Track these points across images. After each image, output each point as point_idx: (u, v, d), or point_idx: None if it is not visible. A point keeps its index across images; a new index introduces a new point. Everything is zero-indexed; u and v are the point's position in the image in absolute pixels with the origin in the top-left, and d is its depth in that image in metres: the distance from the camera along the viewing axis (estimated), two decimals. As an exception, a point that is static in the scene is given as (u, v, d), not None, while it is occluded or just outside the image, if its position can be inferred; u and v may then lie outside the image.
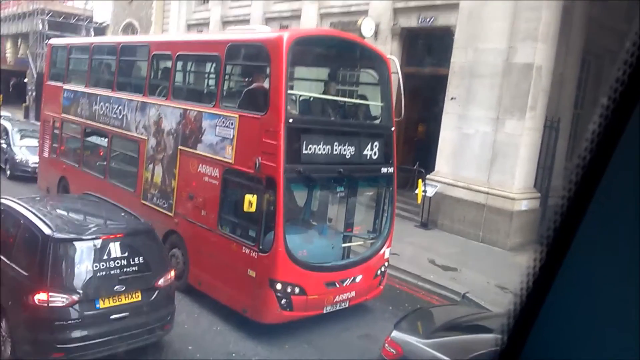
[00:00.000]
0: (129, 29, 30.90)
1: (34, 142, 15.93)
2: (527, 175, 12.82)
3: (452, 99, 13.71)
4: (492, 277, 10.17)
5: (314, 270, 7.59)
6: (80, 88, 12.70)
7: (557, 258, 0.99)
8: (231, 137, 7.87)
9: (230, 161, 7.88)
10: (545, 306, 1.02)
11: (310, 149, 7.43)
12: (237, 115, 7.82)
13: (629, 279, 0.90)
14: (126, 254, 6.38)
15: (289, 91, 7.44)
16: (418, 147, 15.75)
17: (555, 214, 0.98)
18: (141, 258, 6.51)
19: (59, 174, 13.17)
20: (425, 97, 15.10)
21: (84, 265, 6.14)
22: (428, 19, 14.97)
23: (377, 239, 8.67)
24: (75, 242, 6.18)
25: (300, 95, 8.41)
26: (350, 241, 8.60)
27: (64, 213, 7.22)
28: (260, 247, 7.32)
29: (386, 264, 8.76)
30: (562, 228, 0.98)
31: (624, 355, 0.92)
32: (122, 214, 7.41)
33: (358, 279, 8.12)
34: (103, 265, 6.19)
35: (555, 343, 1.02)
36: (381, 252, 8.58)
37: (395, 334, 5.92)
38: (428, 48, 15.70)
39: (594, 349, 0.96)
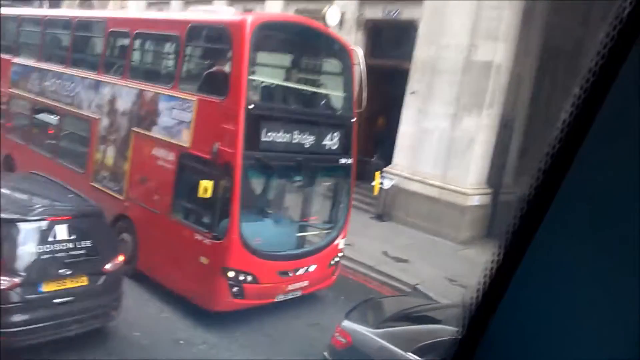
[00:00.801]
0: (86, 4, 29.83)
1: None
2: (481, 171, 12.97)
3: (412, 93, 13.74)
4: (443, 270, 10.42)
5: (267, 259, 7.59)
6: (31, 62, 12.21)
7: (521, 248, 0.99)
8: (189, 120, 7.77)
9: (186, 145, 7.77)
10: (505, 297, 1.02)
11: (269, 136, 7.40)
12: (195, 99, 7.71)
13: (590, 272, 0.92)
14: (73, 237, 6.26)
15: (251, 76, 7.39)
16: (377, 140, 15.76)
17: (522, 200, 0.98)
18: (89, 241, 6.40)
19: (4, 152, 12.63)
20: (387, 89, 15.13)
21: (27, 247, 6.00)
22: (393, 12, 14.99)
23: (333, 229, 8.69)
24: (19, 224, 6.01)
25: (262, 82, 8.34)
26: (305, 231, 8.62)
27: (8, 192, 6.91)
28: (214, 234, 7.26)
29: (340, 254, 8.82)
30: (528, 215, 0.98)
31: (580, 348, 0.93)
32: (70, 195, 7.22)
33: (312, 268, 8.17)
34: (48, 248, 6.06)
35: (514, 334, 1.03)
36: (336, 242, 8.63)
37: (345, 323, 5.99)
38: (392, 41, 15.65)
39: (552, 341, 0.96)
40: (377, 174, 9.57)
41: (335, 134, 8.25)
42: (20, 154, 12.15)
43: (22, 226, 6.03)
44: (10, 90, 12.87)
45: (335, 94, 8.84)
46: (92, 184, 9.60)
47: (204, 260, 7.38)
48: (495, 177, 13.43)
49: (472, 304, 1.07)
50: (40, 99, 11.70)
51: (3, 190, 6.92)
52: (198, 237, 7.46)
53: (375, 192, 9.76)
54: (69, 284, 6.13)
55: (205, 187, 6.93)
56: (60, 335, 6.00)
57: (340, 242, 8.74)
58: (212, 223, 7.33)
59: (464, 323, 1.09)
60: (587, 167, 0.92)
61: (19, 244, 5.97)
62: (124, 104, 9.15)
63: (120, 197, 8.99)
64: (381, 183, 11.41)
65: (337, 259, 8.75)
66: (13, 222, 5.97)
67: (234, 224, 7.14)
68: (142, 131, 8.67)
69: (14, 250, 5.92)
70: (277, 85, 8.45)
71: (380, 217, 13.71)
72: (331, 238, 8.61)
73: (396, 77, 14.69)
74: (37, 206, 6.49)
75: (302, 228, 8.58)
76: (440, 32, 13.26)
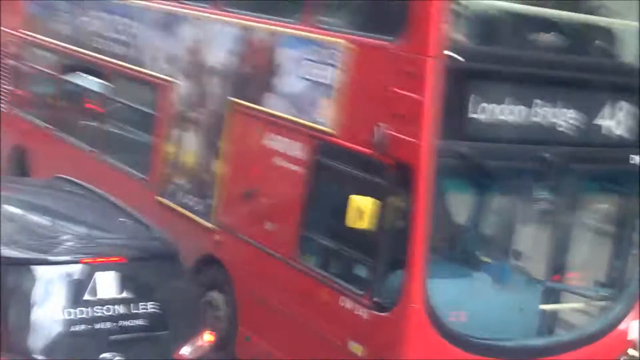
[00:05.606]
0: None
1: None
2: None
3: None
4: None
5: (482, 354, 7.52)
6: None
7: None
8: (331, 82, 8.02)
9: (328, 130, 8.02)
10: None
11: (486, 112, 7.40)
12: (344, 42, 7.90)
13: None
14: (126, 295, 6.70)
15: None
16: None
17: None
18: (152, 304, 6.82)
19: (12, 141, 13.70)
20: None
21: (48, 309, 6.43)
22: None
23: (616, 299, 8.49)
24: (34, 268, 6.47)
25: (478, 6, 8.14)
26: (558, 300, 8.63)
27: (19, 213, 7.52)
28: (376, 299, 7.37)
29: (633, 351, 8.52)
30: None
31: None
32: (123, 220, 7.76)
33: None
34: (83, 312, 6.48)
35: None
36: (621, 326, 8.40)
37: None
38: None
39: None
40: None
41: (620, 106, 8.08)
42: (38, 144, 13.12)
43: (40, 272, 6.47)
44: (21, 32, 13.99)
45: (622, 22, 8.56)
46: (158, 198, 10.28)
47: (355, 348, 7.51)
48: None
49: None
50: (72, 47, 12.57)
51: (10, 210, 7.46)
52: (345, 303, 7.66)
53: None
54: (118, 381, 6.50)
55: (360, 210, 7.06)
56: None
57: (633, 327, 8.50)
58: (372, 278, 7.49)
59: None
60: None
61: (34, 303, 6.40)
62: (215, 55, 9.66)
63: (208, 224, 9.48)
64: None
65: (623, 360, 8.64)
66: (23, 265, 6.47)
67: (415, 281, 7.14)
68: (246, 104, 9.07)
69: (24, 314, 6.34)
70: (506, 11, 8.08)
71: None
72: (612, 317, 8.41)
73: None
74: (66, 238, 6.99)
75: (552, 294, 8.56)
76: None
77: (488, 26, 8.14)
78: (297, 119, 8.34)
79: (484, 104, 7.34)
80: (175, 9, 10.44)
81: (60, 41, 12.98)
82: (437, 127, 7.06)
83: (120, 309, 6.58)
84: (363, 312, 7.40)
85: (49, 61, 13.38)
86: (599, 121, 7.97)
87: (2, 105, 14.49)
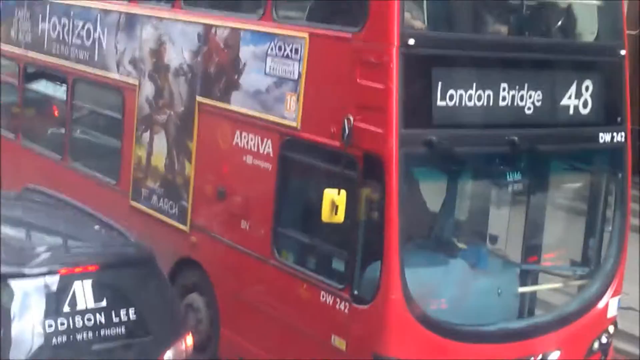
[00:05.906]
0: None
1: None
2: None
3: None
4: None
5: (462, 339, 7.56)
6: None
7: None
8: (295, 77, 8.06)
9: (293, 124, 8.07)
10: None
11: (451, 98, 7.41)
12: (306, 35, 7.94)
13: None
14: (104, 303, 6.71)
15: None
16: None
17: None
18: (132, 311, 6.85)
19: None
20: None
21: (28, 323, 6.42)
22: None
23: (593, 277, 8.59)
24: (11, 281, 6.45)
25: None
26: (536, 281, 8.68)
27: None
28: (355, 292, 7.41)
29: (611, 328, 8.61)
30: None
31: None
32: (97, 227, 7.82)
33: (552, 357, 8.05)
34: (62, 322, 6.49)
35: None
36: (600, 304, 8.46)
37: None
38: None
39: None
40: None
41: (585, 85, 8.13)
42: (6, 154, 12.79)
43: (17, 285, 6.45)
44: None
45: (581, 2, 8.71)
46: (132, 203, 10.32)
47: (338, 342, 7.56)
48: None
49: None
50: (35, 54, 12.55)
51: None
52: (325, 298, 7.70)
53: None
54: (100, 388, 6.58)
55: (334, 203, 7.05)
56: None
57: (611, 304, 8.56)
58: (350, 271, 7.51)
59: None
60: None
61: (13, 316, 6.37)
62: (179, 55, 9.64)
63: (182, 227, 9.53)
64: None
65: (605, 339, 8.53)
66: (0, 279, 6.37)
67: (391, 270, 7.17)
68: (213, 103, 9.13)
69: (4, 328, 6.29)
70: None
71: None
72: (591, 295, 8.49)
73: None
74: (41, 249, 6.91)
75: (529, 276, 8.61)
76: None
77: (449, 11, 8.21)
78: (264, 115, 8.37)
79: (450, 90, 7.35)
80: (136, 10, 10.45)
81: (22, 48, 12.94)
82: (404, 116, 7.11)
83: (100, 318, 6.60)
84: (344, 306, 7.44)
85: (10, 69, 13.33)
86: (565, 101, 8.03)
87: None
